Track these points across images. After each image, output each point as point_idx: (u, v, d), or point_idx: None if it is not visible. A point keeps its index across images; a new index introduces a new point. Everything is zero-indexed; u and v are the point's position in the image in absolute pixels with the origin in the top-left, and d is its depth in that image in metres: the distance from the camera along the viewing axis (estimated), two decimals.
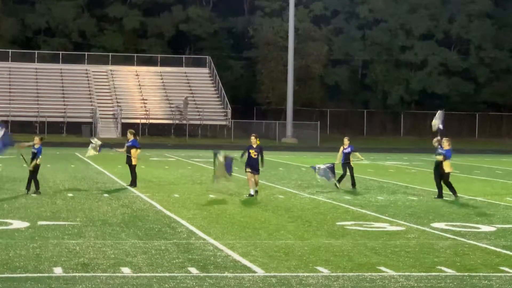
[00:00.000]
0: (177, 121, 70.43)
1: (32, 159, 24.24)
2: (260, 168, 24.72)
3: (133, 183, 27.06)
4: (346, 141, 28.54)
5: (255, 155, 24.62)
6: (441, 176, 25.34)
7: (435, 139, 26.22)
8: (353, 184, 28.27)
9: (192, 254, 14.78)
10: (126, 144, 27.50)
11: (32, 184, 24.24)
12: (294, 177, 32.95)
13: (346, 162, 28.27)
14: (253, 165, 24.57)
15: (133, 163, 27.25)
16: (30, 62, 75.48)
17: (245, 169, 24.78)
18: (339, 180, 28.29)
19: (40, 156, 24.32)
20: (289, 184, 29.57)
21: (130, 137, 27.47)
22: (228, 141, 65.44)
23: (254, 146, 24.72)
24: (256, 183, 24.82)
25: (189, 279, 12.65)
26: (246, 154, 24.91)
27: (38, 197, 23.49)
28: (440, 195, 25.39)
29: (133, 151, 27.21)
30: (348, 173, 28.34)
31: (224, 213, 20.84)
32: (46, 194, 24.43)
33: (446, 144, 25.29)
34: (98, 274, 12.85)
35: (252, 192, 24.56)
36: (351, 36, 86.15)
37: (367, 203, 23.73)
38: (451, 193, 25.30)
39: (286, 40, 73.88)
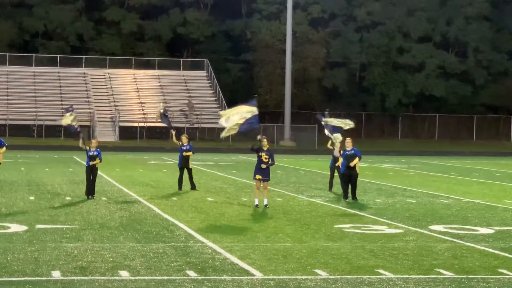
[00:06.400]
0: (179, 125, 70.34)
1: None
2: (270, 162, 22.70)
3: (180, 186, 27.51)
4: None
5: (266, 158, 22.66)
6: (350, 178, 24.97)
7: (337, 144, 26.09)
8: (330, 187, 28.16)
9: (190, 257, 14.78)
10: (183, 148, 27.53)
11: None
12: (292, 180, 32.95)
13: (334, 166, 27.48)
14: (263, 170, 22.64)
15: (190, 166, 27.76)
16: (28, 65, 75.45)
17: (254, 176, 22.74)
18: (330, 185, 28.25)
19: None
20: (287, 187, 29.56)
21: (186, 141, 27.60)
22: (226, 144, 65.41)
23: (265, 149, 22.79)
24: (266, 194, 22.86)
25: (187, 282, 12.65)
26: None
27: (37, 201, 23.47)
28: (347, 196, 25.12)
29: (190, 154, 27.70)
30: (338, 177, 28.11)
31: (222, 216, 20.84)
32: (44, 197, 24.42)
33: (350, 144, 25.06)
34: (97, 278, 12.85)
35: (257, 202, 22.81)
36: (349, 39, 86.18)
37: (365, 206, 23.73)
38: (351, 195, 25.02)
39: (284, 43, 73.90)
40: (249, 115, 22.66)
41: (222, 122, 22.96)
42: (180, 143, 27.76)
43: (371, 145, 64.75)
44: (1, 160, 27.06)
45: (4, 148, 27.01)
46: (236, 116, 22.69)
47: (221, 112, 23.66)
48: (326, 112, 28.52)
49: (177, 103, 73.28)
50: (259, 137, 23.22)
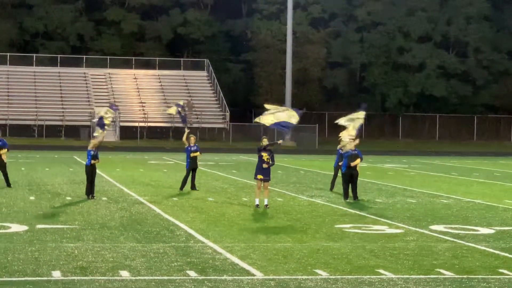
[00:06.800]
0: (179, 125, 70.36)
1: None
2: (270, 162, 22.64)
3: (182, 186, 27.53)
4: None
5: (267, 158, 22.56)
6: (351, 177, 24.97)
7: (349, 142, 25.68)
8: (331, 187, 28.16)
9: (191, 257, 14.77)
10: (192, 149, 27.52)
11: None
12: (293, 180, 32.95)
13: (339, 165, 27.40)
14: (264, 170, 22.54)
15: (197, 166, 27.94)
16: (28, 65, 75.52)
17: (255, 175, 22.65)
18: (332, 184, 28.25)
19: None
20: (287, 187, 29.56)
21: (193, 142, 27.62)
22: (227, 144, 65.43)
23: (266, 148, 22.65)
24: (266, 194, 22.79)
25: (187, 282, 12.64)
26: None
27: (37, 201, 23.47)
28: (347, 196, 25.08)
29: (197, 154, 27.72)
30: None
31: (222, 216, 20.83)
32: (44, 197, 24.43)
33: (354, 145, 25.06)
34: (97, 278, 12.84)
35: (257, 202, 22.76)
36: (349, 39, 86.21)
37: (366, 206, 23.72)
38: (352, 195, 24.98)
39: (284, 43, 73.93)
40: (291, 119, 22.89)
41: (266, 113, 23.19)
42: (188, 144, 27.73)
43: (372, 145, 64.75)
44: (5, 160, 27.37)
45: (5, 149, 27.23)
46: (280, 114, 23.05)
47: (268, 106, 23.75)
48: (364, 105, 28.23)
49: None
50: (280, 141, 23.36)
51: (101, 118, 25.46)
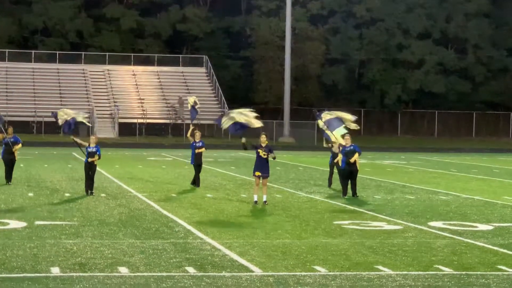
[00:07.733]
0: (173, 121, 70.35)
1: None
2: (271, 156, 22.61)
3: (198, 183, 27.45)
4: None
5: (264, 154, 22.56)
6: (351, 174, 24.94)
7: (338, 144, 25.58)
8: (329, 184, 28.19)
9: (190, 253, 14.78)
10: (197, 145, 27.46)
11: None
12: (292, 176, 32.97)
13: (333, 162, 27.21)
14: (262, 166, 22.63)
15: (202, 162, 27.87)
16: (27, 62, 75.38)
17: (253, 172, 22.74)
18: (329, 181, 28.25)
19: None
20: (286, 183, 29.57)
21: (199, 138, 27.59)
22: (226, 141, 65.43)
23: (263, 145, 22.64)
24: (265, 191, 22.72)
25: (186, 279, 12.65)
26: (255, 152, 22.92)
27: (36, 197, 23.47)
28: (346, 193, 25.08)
29: (202, 150, 27.68)
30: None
31: (221, 212, 20.84)
32: (43, 194, 24.43)
33: (349, 141, 24.97)
34: (96, 274, 12.85)
35: (256, 198, 22.74)
36: (348, 36, 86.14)
37: (365, 202, 23.73)
38: (351, 192, 24.97)
39: (283, 40, 73.87)
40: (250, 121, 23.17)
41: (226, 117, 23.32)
42: (193, 140, 27.69)
43: (370, 141, 64.74)
44: (17, 157, 27.58)
45: (20, 145, 27.52)
46: (238, 115, 23.23)
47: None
48: (318, 113, 27.81)
49: (177, 99, 73.24)
50: (243, 139, 23.13)
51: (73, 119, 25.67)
